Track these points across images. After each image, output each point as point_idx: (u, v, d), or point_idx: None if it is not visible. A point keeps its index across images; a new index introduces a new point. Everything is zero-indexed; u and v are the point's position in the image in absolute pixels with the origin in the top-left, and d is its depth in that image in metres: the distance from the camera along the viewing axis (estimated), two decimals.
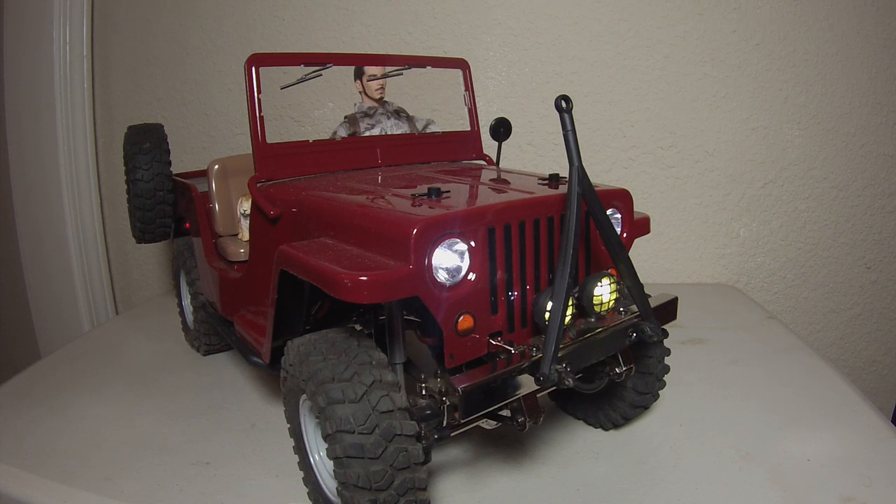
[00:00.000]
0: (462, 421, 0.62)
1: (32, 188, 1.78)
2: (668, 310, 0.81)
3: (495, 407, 0.65)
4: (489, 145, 1.07)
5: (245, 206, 1.05)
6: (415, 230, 0.61)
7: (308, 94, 1.59)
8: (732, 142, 1.52)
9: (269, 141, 0.87)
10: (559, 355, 0.65)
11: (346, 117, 1.04)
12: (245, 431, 0.93)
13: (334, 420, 0.58)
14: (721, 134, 1.52)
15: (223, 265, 1.06)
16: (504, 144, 1.05)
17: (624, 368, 0.76)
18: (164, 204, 1.17)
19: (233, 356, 1.20)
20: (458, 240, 0.65)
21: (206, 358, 1.21)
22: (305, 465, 0.73)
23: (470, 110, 1.09)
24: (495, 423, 0.68)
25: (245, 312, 0.96)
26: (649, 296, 0.76)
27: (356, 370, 0.61)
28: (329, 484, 0.70)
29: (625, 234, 0.81)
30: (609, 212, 0.79)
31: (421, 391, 0.66)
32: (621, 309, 0.77)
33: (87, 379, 1.13)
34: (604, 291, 0.72)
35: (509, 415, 0.67)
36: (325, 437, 0.60)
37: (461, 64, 1.07)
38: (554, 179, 0.80)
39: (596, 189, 0.66)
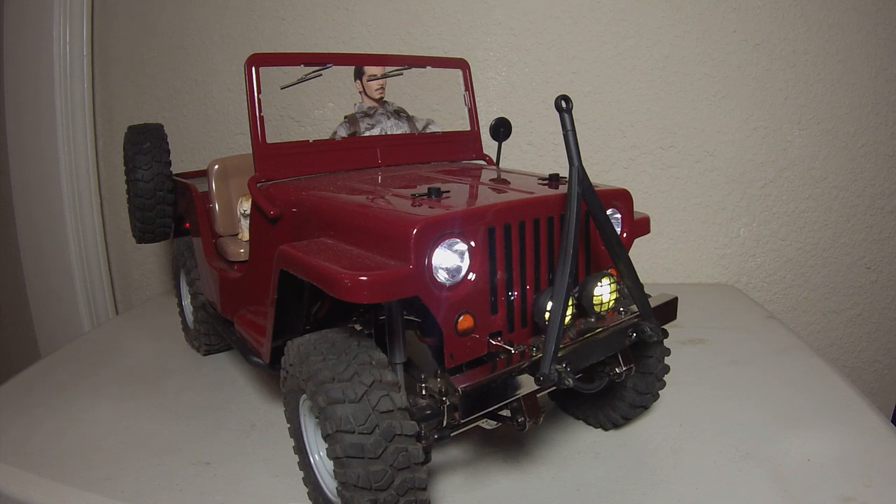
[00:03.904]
0: (462, 421, 0.62)
1: (32, 188, 1.78)
2: (668, 310, 0.81)
3: (495, 407, 0.65)
4: (489, 145, 1.07)
5: (245, 206, 1.05)
6: (415, 230, 0.61)
7: (308, 94, 1.59)
8: (732, 142, 1.52)
9: (269, 141, 0.87)
10: (559, 355, 0.65)
11: (346, 117, 1.04)
12: (245, 431, 0.93)
13: (334, 420, 0.58)
14: (721, 134, 1.52)
15: (223, 265, 1.06)
16: (504, 144, 1.05)
17: (624, 368, 0.76)
18: (164, 204, 1.17)
19: (233, 356, 1.20)
20: (458, 240, 0.65)
21: (206, 358, 1.21)
22: (305, 465, 0.73)
23: (470, 110, 1.09)
24: (495, 423, 0.68)
25: (245, 312, 0.96)
26: (649, 296, 0.76)
27: (356, 370, 0.61)
28: (329, 484, 0.70)
29: (625, 234, 0.81)
30: (609, 212, 0.79)
31: (421, 391, 0.66)
32: (621, 309, 0.77)
33: (87, 379, 1.13)
34: (604, 291, 0.72)
35: (509, 415, 0.67)
36: (325, 437, 0.60)
37: (461, 64, 1.07)
38: (554, 179, 0.80)
39: (596, 189, 0.66)
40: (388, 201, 0.74)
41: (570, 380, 0.64)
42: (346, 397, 0.59)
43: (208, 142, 1.73)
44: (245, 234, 1.05)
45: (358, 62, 1.02)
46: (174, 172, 1.21)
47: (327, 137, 0.99)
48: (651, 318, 0.74)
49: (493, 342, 0.69)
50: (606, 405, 0.87)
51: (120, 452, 0.87)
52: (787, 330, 1.27)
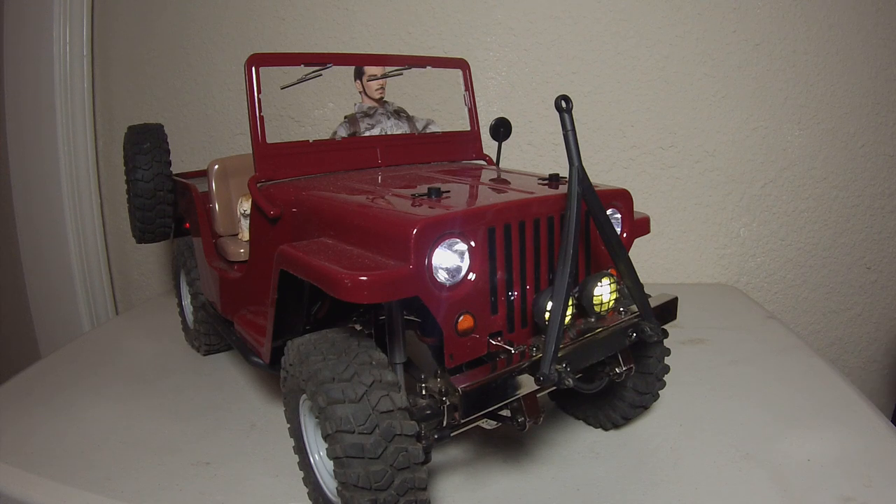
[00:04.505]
0: (462, 421, 0.62)
1: (32, 188, 1.78)
2: (668, 310, 0.81)
3: (495, 407, 0.65)
4: (489, 145, 1.07)
5: (245, 206, 1.05)
6: (415, 230, 0.61)
7: (308, 94, 1.59)
8: (732, 142, 1.52)
9: (269, 141, 0.87)
10: (559, 355, 0.65)
11: (346, 117, 1.04)
12: (245, 431, 0.93)
13: (334, 420, 0.58)
14: (721, 134, 1.52)
15: (223, 265, 1.06)
16: (504, 144, 1.05)
17: (624, 368, 0.76)
18: (164, 204, 1.17)
19: (233, 356, 1.20)
20: (458, 240, 0.65)
21: (206, 358, 1.21)
22: (305, 465, 0.73)
23: (470, 110, 1.09)
24: (495, 423, 0.68)
25: (245, 312, 0.96)
26: (649, 296, 0.76)
27: (356, 370, 0.61)
28: (329, 484, 0.70)
29: (625, 234, 0.81)
30: (609, 212, 0.79)
31: (421, 391, 0.66)
32: (621, 309, 0.77)
33: (87, 379, 1.13)
34: (604, 291, 0.72)
35: (509, 415, 0.67)
36: (325, 437, 0.60)
37: (461, 64, 1.07)
38: (554, 179, 0.80)
39: (596, 189, 0.66)
40: (388, 201, 0.74)
41: (570, 380, 0.64)
42: (346, 397, 0.59)
43: (208, 142, 1.73)
44: (245, 234, 1.05)
45: (358, 62, 1.02)
46: (174, 172, 1.21)
47: (327, 137, 0.99)
48: (651, 318, 0.74)
49: (493, 342, 0.69)
50: (606, 405, 0.87)
51: (120, 452, 0.87)
52: (787, 330, 1.27)
